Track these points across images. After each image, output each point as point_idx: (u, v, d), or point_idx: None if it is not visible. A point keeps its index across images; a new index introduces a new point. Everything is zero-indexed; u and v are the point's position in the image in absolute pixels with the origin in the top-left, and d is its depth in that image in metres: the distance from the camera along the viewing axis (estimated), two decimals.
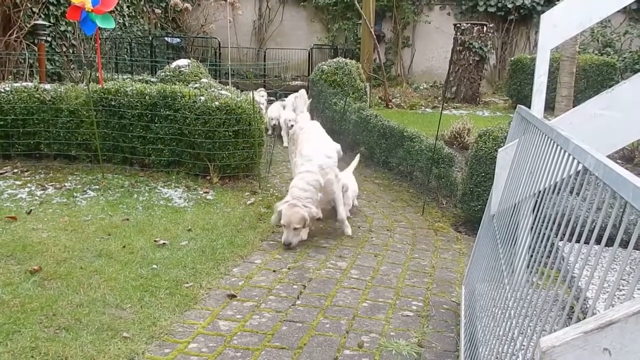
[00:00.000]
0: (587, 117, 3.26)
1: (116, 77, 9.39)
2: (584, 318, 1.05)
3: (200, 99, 6.09)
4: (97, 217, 4.84)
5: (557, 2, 3.64)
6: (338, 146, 5.40)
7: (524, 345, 1.69)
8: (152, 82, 7.66)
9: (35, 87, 6.41)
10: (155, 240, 4.36)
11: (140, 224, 4.71)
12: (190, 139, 6.10)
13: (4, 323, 2.94)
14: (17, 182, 5.71)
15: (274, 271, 4.02)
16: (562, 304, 1.50)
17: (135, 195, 5.51)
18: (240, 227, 4.82)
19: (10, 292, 3.30)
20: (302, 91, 7.50)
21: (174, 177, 6.13)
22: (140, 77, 9.41)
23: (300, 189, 4.58)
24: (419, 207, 6.02)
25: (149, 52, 13.49)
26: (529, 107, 3.31)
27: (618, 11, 3.84)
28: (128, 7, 13.31)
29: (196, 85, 7.01)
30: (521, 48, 15.20)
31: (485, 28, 12.50)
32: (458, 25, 12.70)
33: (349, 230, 5.00)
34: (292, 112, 8.68)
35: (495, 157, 3.45)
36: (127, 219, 4.83)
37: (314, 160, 4.72)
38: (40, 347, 2.74)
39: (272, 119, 9.05)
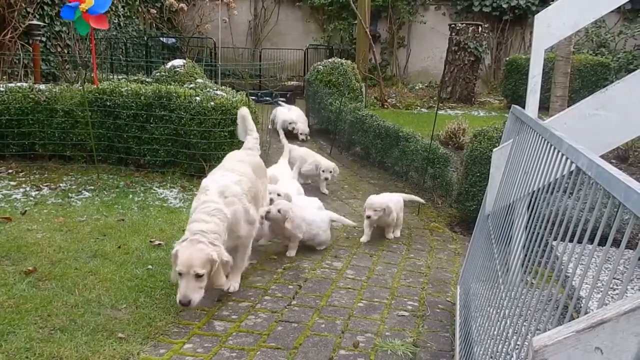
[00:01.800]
0: (581, 117, 3.28)
1: (111, 77, 9.36)
2: (578, 317, 1.06)
3: (195, 100, 6.08)
4: (92, 218, 4.83)
5: (551, 3, 3.66)
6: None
7: (518, 345, 1.69)
8: (147, 82, 7.64)
9: (30, 88, 6.38)
10: (150, 241, 4.35)
11: (135, 225, 4.70)
12: (185, 139, 6.10)
13: None
14: (12, 183, 5.69)
15: (269, 271, 4.03)
16: (556, 303, 1.50)
17: (131, 196, 5.50)
18: None
19: (4, 293, 3.28)
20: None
21: (169, 177, 6.12)
22: (136, 78, 9.38)
23: (203, 221, 3.31)
24: (414, 207, 6.03)
25: (144, 52, 13.46)
26: (524, 107, 3.32)
27: (612, 11, 3.85)
28: (123, 7, 13.26)
29: (191, 85, 7.00)
30: (516, 48, 15.25)
31: (480, 28, 12.53)
32: (453, 25, 12.72)
33: (233, 285, 3.63)
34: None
35: (490, 157, 3.46)
36: (123, 220, 4.82)
37: (211, 189, 3.52)
38: (35, 348, 2.73)
39: (290, 122, 8.77)
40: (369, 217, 4.83)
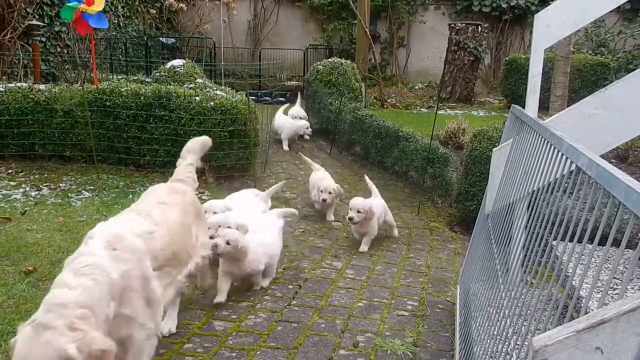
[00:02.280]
0: (581, 116, 3.28)
1: (111, 77, 9.36)
2: (578, 317, 1.06)
3: (195, 99, 6.08)
4: (92, 218, 4.83)
5: (551, 2, 3.66)
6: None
7: (518, 345, 1.69)
8: (147, 82, 7.64)
9: (29, 88, 6.38)
10: None
11: None
12: (185, 140, 6.02)
13: None
14: (12, 183, 5.69)
15: None
16: (556, 303, 1.50)
17: (131, 196, 5.50)
18: None
19: (4, 293, 3.28)
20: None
21: (169, 177, 6.09)
22: (135, 78, 9.37)
23: (65, 286, 2.05)
24: (414, 206, 6.03)
25: (143, 52, 13.45)
26: (524, 107, 3.32)
27: (612, 11, 3.86)
28: (123, 7, 13.26)
29: (191, 85, 7.00)
30: (516, 48, 15.24)
31: (480, 28, 12.53)
32: (453, 25, 12.71)
33: None
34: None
35: (490, 157, 3.46)
36: None
37: (96, 237, 2.41)
38: None
39: (306, 127, 8.60)
40: (351, 219, 4.50)
